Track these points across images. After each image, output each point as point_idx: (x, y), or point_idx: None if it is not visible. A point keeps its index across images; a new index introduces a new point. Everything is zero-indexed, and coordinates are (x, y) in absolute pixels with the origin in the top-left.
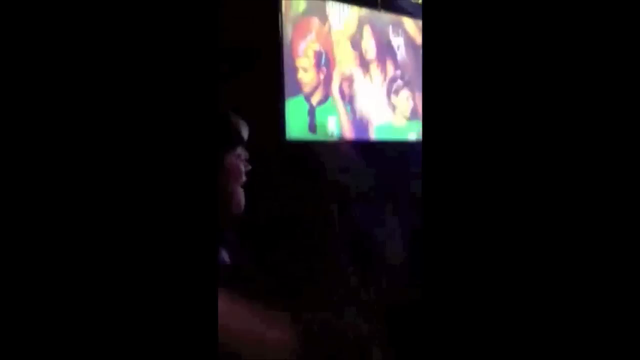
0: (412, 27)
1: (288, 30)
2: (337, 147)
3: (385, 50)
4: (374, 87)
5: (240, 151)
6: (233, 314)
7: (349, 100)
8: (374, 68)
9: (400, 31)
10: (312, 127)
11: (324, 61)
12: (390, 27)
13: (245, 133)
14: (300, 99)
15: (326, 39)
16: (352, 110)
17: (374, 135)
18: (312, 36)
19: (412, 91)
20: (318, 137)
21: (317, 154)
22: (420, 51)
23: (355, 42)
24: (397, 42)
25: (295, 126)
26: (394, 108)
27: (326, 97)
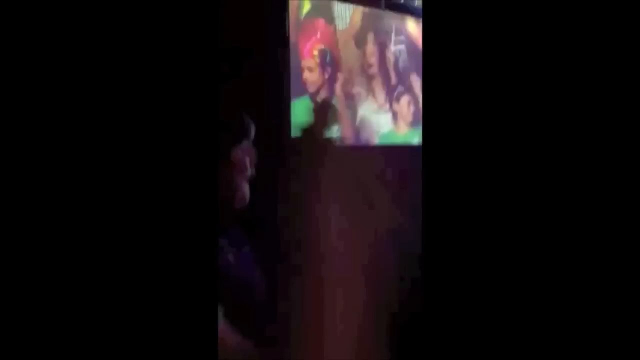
0: (416, 27)
1: (294, 31)
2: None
3: (387, 51)
4: (376, 92)
5: (246, 145)
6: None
7: (351, 101)
8: (377, 72)
9: (403, 31)
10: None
11: (329, 60)
12: (394, 28)
13: (251, 128)
14: (305, 98)
15: (331, 39)
16: (354, 113)
17: (375, 140)
18: (317, 36)
19: (414, 96)
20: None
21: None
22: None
23: (360, 43)
24: (400, 43)
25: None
26: (395, 114)
27: (331, 97)
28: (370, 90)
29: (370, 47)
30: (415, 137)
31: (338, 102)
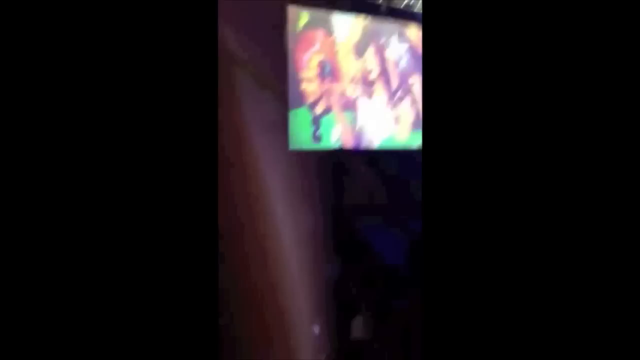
0: (416, 34)
1: (292, 42)
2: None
3: (388, 59)
4: (377, 99)
5: None
6: None
7: (352, 110)
8: (378, 79)
9: (404, 39)
10: (316, 137)
11: (328, 71)
12: (394, 36)
13: None
14: (304, 109)
15: (330, 50)
16: (356, 121)
17: (377, 146)
18: (316, 47)
19: (415, 101)
20: (322, 146)
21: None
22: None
23: (359, 53)
24: (401, 50)
25: (299, 136)
26: (397, 120)
27: (330, 107)
28: (371, 97)
29: (371, 56)
30: (417, 141)
31: (338, 112)
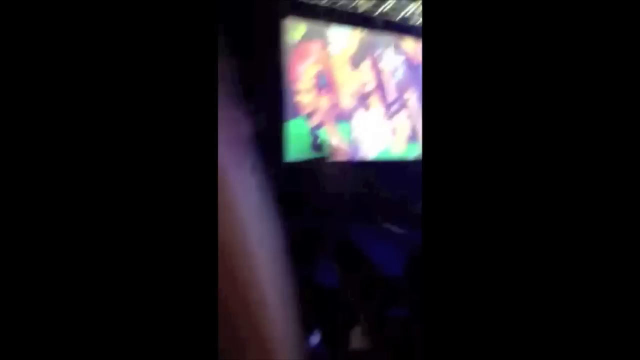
0: (413, 46)
1: (288, 54)
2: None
3: (384, 72)
4: (373, 111)
5: None
6: None
7: (348, 122)
8: (374, 91)
9: (400, 51)
10: (315, 147)
11: (325, 83)
12: (391, 48)
13: None
14: (300, 120)
15: (327, 62)
16: (351, 133)
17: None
18: (312, 59)
19: (411, 113)
20: (321, 155)
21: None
22: (420, 70)
23: (356, 65)
24: (397, 62)
25: (296, 147)
26: (393, 132)
27: (327, 118)
28: (367, 109)
29: (367, 68)
30: (413, 152)
31: (336, 123)
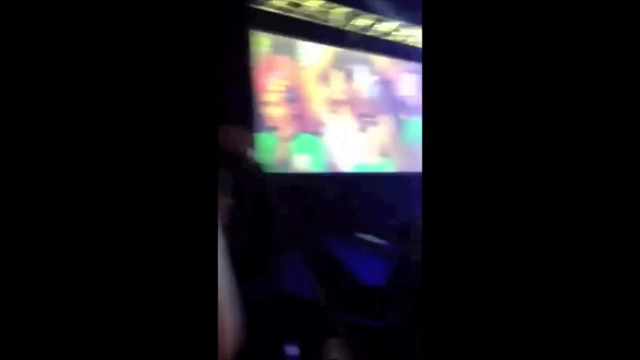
0: (384, 63)
1: (255, 66)
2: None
3: (356, 86)
4: (344, 125)
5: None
6: None
7: (319, 136)
8: (344, 106)
9: (372, 67)
10: (282, 162)
11: (294, 96)
12: (363, 64)
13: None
14: (269, 134)
15: (296, 76)
16: (324, 146)
17: (346, 171)
18: (281, 73)
19: (382, 128)
20: (288, 171)
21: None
22: (390, 86)
23: (327, 78)
24: (369, 78)
25: (264, 159)
26: (365, 145)
27: (297, 131)
28: (338, 122)
29: (339, 82)
30: (387, 167)
31: (306, 137)
